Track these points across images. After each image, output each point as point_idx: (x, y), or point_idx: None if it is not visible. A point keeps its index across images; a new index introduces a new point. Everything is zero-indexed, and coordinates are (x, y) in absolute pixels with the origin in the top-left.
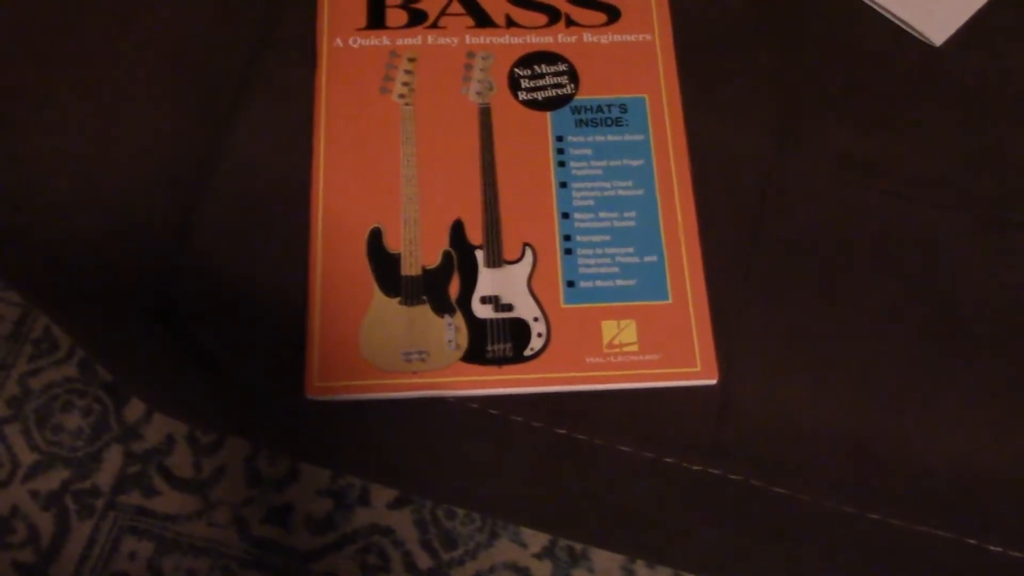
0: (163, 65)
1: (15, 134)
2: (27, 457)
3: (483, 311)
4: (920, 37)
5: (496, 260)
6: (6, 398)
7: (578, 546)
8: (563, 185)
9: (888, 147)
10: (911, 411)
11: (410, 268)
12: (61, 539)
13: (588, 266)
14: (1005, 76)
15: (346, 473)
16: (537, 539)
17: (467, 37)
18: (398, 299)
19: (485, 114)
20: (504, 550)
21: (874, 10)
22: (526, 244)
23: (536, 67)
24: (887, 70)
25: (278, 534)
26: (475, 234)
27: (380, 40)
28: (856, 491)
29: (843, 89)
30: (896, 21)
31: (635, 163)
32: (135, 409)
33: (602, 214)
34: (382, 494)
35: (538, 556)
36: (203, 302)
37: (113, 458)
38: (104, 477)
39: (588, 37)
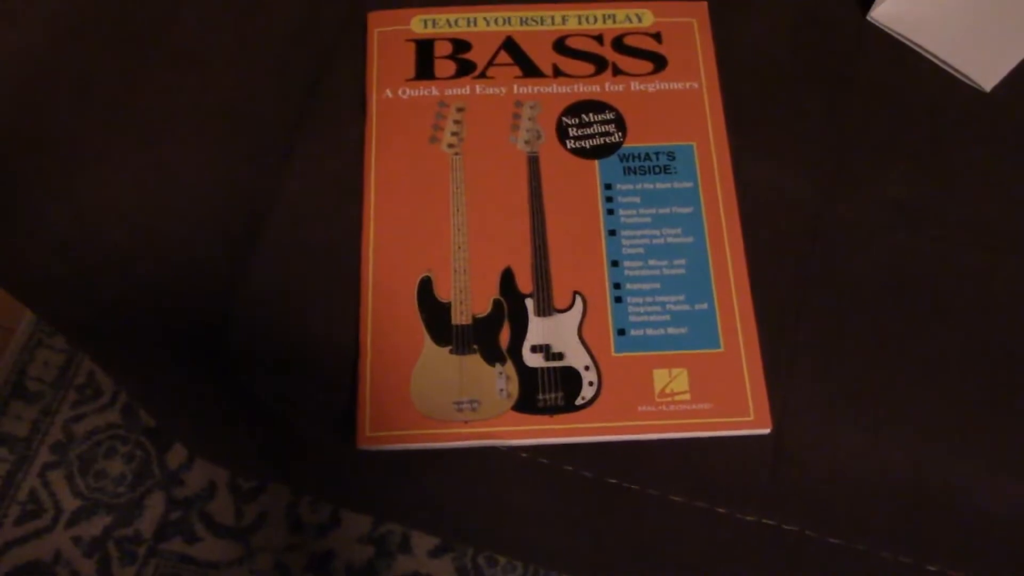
0: (216, 118)
1: (73, 185)
2: (70, 503)
3: (534, 360)
4: (969, 82)
5: (546, 309)
6: (50, 444)
7: None
8: (612, 233)
9: (938, 193)
10: (969, 460)
11: (460, 317)
12: None
13: (638, 314)
14: None
15: (388, 520)
16: None
17: (515, 87)
18: (449, 348)
19: (534, 163)
20: None
21: (923, 56)
22: (576, 292)
23: (584, 116)
24: (936, 116)
25: None
26: (525, 282)
27: (429, 90)
28: (913, 541)
29: (892, 135)
30: (945, 67)
31: (684, 210)
32: (177, 455)
33: (652, 262)
34: (423, 541)
35: None
36: (254, 351)
37: (155, 504)
38: (146, 523)
39: (635, 85)
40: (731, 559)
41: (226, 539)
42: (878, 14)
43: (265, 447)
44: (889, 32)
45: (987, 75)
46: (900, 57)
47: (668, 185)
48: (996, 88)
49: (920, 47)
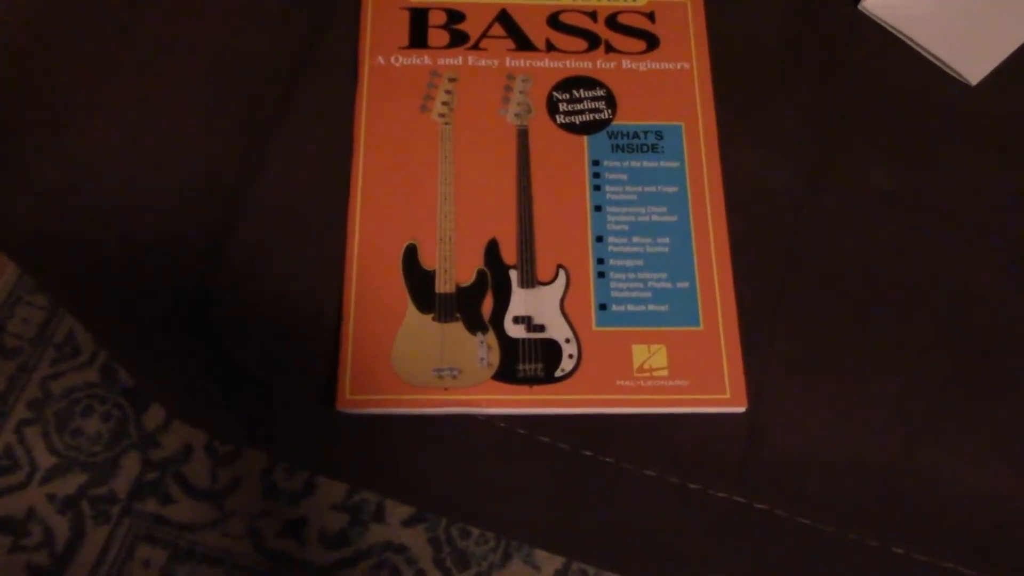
0: (209, 77)
1: (63, 136)
2: (45, 460)
3: (515, 331)
4: (956, 76)
5: (530, 280)
6: (27, 400)
7: (592, 570)
8: (598, 209)
9: (921, 183)
10: (940, 446)
11: (444, 285)
12: (76, 544)
13: (620, 290)
14: None
15: (363, 488)
16: (551, 562)
17: (508, 60)
18: (431, 315)
19: (523, 136)
20: (517, 572)
21: (911, 48)
22: (560, 266)
23: (575, 91)
24: (923, 107)
25: (292, 547)
26: (509, 254)
27: (422, 59)
28: (881, 524)
29: (878, 124)
30: (933, 59)
31: (670, 190)
32: (154, 416)
33: (636, 239)
34: (397, 511)
35: None
36: (237, 312)
37: (131, 465)
38: (121, 483)
39: (627, 64)
40: (701, 536)
41: (200, 502)
42: (869, 4)
43: (244, 410)
44: (879, 22)
45: (974, 69)
46: (889, 48)
47: (655, 164)
48: (982, 82)
49: (909, 39)
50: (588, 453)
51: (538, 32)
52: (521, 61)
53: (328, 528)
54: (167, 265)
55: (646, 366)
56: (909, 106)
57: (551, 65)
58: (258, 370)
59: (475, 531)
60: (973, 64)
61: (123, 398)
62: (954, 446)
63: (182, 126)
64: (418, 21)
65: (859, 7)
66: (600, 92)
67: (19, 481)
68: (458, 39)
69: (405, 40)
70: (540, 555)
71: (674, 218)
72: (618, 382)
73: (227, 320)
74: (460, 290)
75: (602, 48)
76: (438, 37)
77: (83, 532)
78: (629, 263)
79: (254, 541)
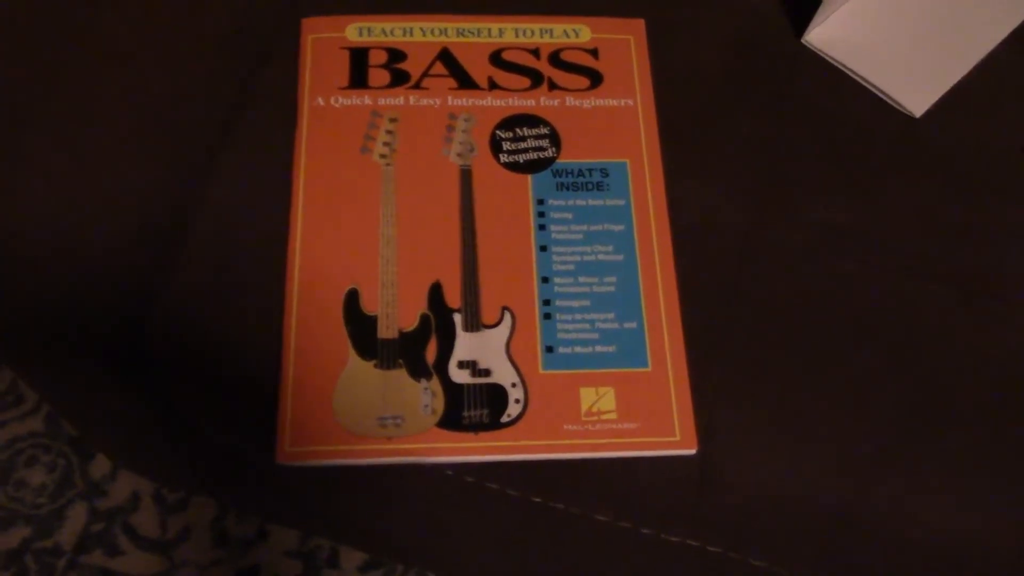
0: (139, 120)
1: None
2: None
3: (460, 376)
4: (900, 108)
5: (474, 324)
6: None
7: None
8: (543, 249)
9: (867, 217)
10: (891, 482)
11: (387, 331)
12: None
13: (567, 331)
14: (983, 147)
15: (316, 535)
16: None
17: (449, 99)
18: (374, 362)
19: (466, 176)
20: None
21: (855, 80)
22: (505, 308)
23: (518, 130)
24: (867, 140)
25: None
26: (454, 297)
27: (362, 99)
28: (835, 564)
29: (823, 158)
30: (877, 92)
31: (616, 228)
32: (101, 465)
33: (582, 279)
34: (352, 556)
35: None
36: (174, 360)
37: (77, 515)
38: (67, 535)
39: (571, 101)
40: None
41: (149, 552)
42: (812, 37)
43: (188, 458)
44: (823, 55)
45: (917, 101)
46: (833, 81)
47: (601, 202)
48: (926, 114)
49: (853, 71)
50: (537, 500)
51: (480, 70)
52: (463, 100)
53: None
54: (100, 315)
55: (594, 409)
56: (854, 139)
57: (494, 103)
58: (198, 420)
59: None
60: (917, 96)
61: (68, 447)
62: (906, 483)
63: (112, 173)
64: (358, 61)
65: (802, 40)
66: (544, 130)
67: None
68: (399, 78)
69: (345, 80)
70: None
71: (620, 257)
72: (566, 426)
73: (164, 370)
74: (403, 335)
75: (545, 85)
76: (379, 77)
77: None
78: (575, 304)
79: None
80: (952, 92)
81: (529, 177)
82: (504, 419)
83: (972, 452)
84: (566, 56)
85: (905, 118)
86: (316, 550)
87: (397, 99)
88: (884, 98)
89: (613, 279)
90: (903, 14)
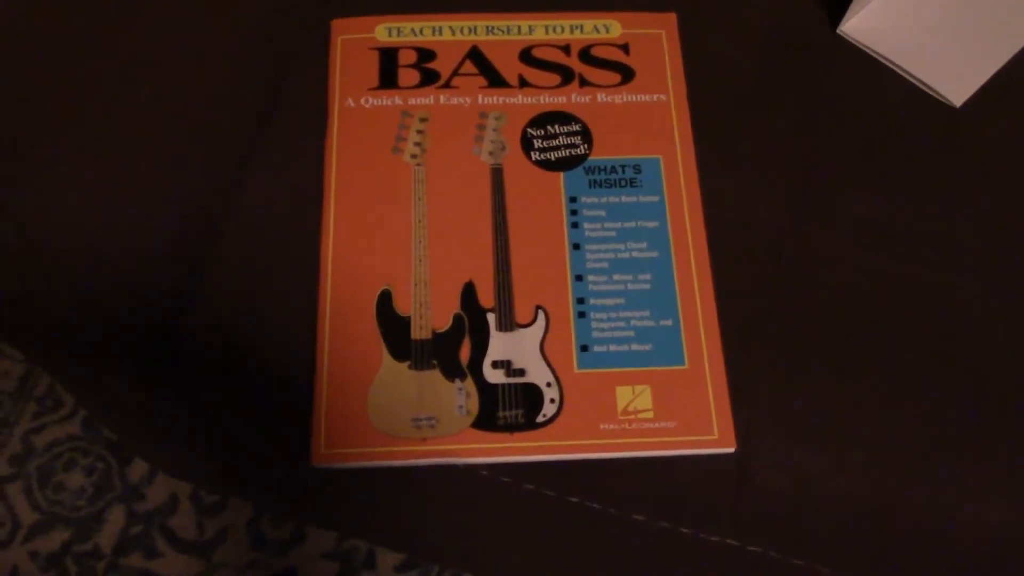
0: (170, 127)
1: (20, 196)
2: (28, 517)
3: (494, 376)
4: (940, 98)
5: (508, 324)
6: (8, 456)
7: None
8: (576, 247)
9: (906, 210)
10: (932, 481)
11: (420, 332)
12: None
13: (602, 330)
14: None
15: (352, 536)
16: None
17: (480, 97)
18: (407, 363)
19: (497, 174)
20: None
21: (893, 71)
22: (539, 307)
23: (549, 127)
24: (906, 132)
25: None
26: (487, 297)
27: (392, 100)
28: (876, 564)
29: (861, 151)
30: (915, 82)
31: (650, 224)
32: (138, 468)
33: (616, 276)
34: (388, 558)
35: None
36: (209, 363)
37: (115, 518)
38: (106, 538)
39: (602, 97)
40: None
41: (187, 554)
42: (848, 28)
43: (225, 462)
44: (859, 46)
45: (957, 91)
46: (870, 72)
47: (634, 199)
48: (966, 104)
49: (890, 61)
50: (574, 500)
51: (510, 68)
52: (494, 98)
53: None
54: (135, 319)
55: (631, 408)
56: (892, 131)
57: (524, 101)
58: (233, 424)
59: None
60: (956, 85)
61: (106, 450)
62: (950, 480)
63: (144, 178)
64: (388, 61)
65: (838, 31)
66: (575, 127)
67: (1, 540)
68: (429, 78)
69: (375, 81)
70: None
71: (655, 254)
72: (602, 426)
73: (199, 373)
74: (436, 336)
75: (576, 82)
76: (408, 77)
77: None
78: (610, 302)
79: None
80: (993, 80)
81: (561, 175)
82: (539, 419)
83: (1015, 449)
84: (597, 52)
85: (945, 108)
86: (352, 551)
87: (427, 99)
88: (923, 88)
89: (648, 276)
90: (941, 2)
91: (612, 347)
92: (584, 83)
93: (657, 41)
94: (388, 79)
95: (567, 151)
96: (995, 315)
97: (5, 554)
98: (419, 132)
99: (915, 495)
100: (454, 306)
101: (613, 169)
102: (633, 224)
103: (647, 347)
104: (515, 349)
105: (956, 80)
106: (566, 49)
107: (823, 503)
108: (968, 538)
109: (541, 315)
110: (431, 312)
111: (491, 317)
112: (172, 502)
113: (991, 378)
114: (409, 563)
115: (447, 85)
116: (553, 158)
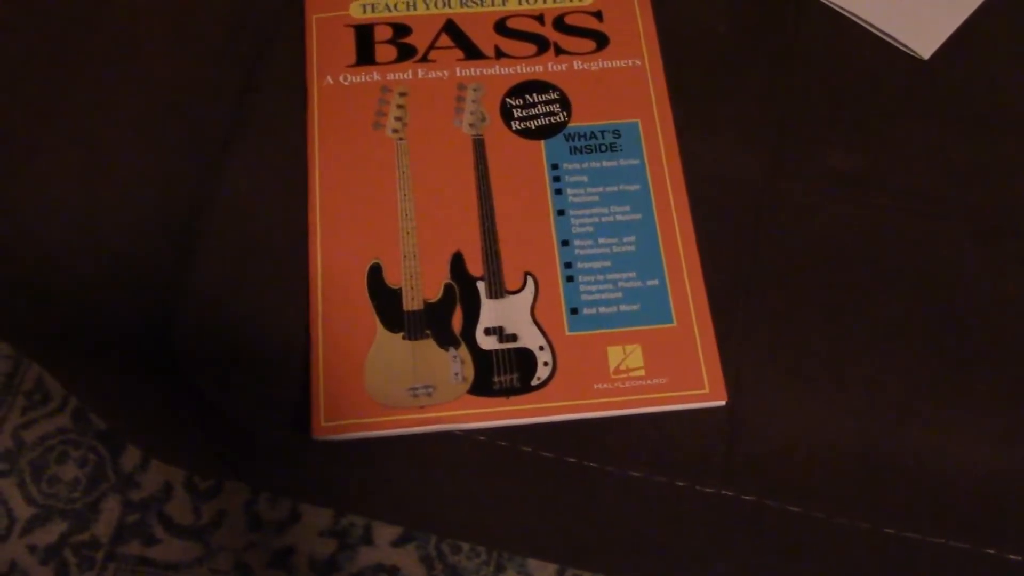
0: (152, 110)
1: (4, 184)
2: (24, 511)
3: (487, 342)
4: (908, 51)
5: (498, 291)
6: (0, 452)
7: None
8: (561, 213)
9: (881, 162)
10: (919, 423)
11: (412, 302)
12: None
13: (591, 292)
14: (993, 86)
15: (349, 512)
16: (544, 570)
17: (457, 70)
18: (401, 334)
19: (479, 145)
20: None
21: (861, 26)
22: (527, 273)
23: (528, 96)
24: (876, 85)
25: None
26: (475, 266)
27: (371, 76)
28: (870, 506)
29: (833, 106)
30: (883, 36)
31: (631, 188)
32: (131, 457)
33: (602, 240)
34: (385, 532)
35: None
36: (202, 348)
37: (111, 508)
38: (103, 528)
39: (578, 64)
40: (692, 533)
41: (185, 539)
42: None
43: (219, 445)
44: (828, 4)
45: (925, 43)
46: (839, 28)
47: (615, 163)
48: (934, 56)
49: (859, 17)
50: (571, 459)
51: (486, 39)
52: (471, 70)
53: (317, 555)
54: (125, 304)
55: (622, 367)
56: (863, 85)
57: (502, 72)
58: (229, 404)
59: (465, 545)
60: (924, 38)
61: (98, 441)
62: (935, 422)
63: (128, 162)
64: (364, 38)
65: None
66: (553, 95)
67: None
68: (406, 53)
69: (352, 58)
70: (533, 564)
71: (638, 216)
72: (596, 386)
73: (193, 355)
74: (428, 306)
75: (552, 51)
76: (385, 52)
77: None
78: (597, 265)
79: (243, 574)
80: (959, 32)
81: (542, 143)
82: (534, 382)
83: (997, 389)
84: (571, 20)
85: (914, 61)
86: (350, 528)
87: (405, 73)
88: (891, 42)
89: (632, 239)
90: None
91: (601, 309)
92: (560, 51)
93: (630, 6)
94: (365, 55)
95: (546, 119)
96: (972, 259)
97: (3, 548)
98: (399, 107)
99: (903, 437)
100: (444, 276)
101: (593, 135)
102: (615, 188)
103: (635, 307)
104: (506, 315)
105: (923, 33)
106: (540, 19)
107: (814, 450)
108: (957, 476)
109: (530, 281)
110: (422, 283)
111: (481, 285)
112: (167, 489)
113: (970, 320)
114: (406, 536)
115: (424, 59)
116: (533, 127)
